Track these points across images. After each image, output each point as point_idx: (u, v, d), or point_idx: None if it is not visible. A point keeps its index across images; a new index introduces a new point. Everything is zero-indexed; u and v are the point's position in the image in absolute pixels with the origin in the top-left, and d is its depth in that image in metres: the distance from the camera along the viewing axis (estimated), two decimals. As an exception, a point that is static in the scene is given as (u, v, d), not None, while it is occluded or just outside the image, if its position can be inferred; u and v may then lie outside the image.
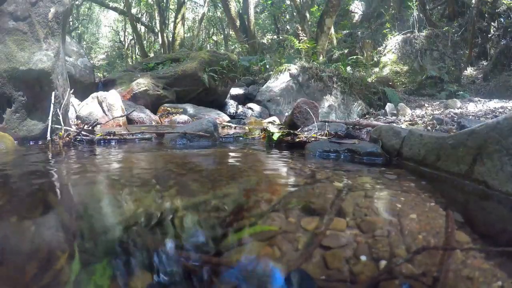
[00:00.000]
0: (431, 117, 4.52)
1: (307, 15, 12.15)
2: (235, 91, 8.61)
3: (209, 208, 1.09)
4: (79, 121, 4.44)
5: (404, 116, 5.45)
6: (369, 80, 8.61)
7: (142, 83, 6.45)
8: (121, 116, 4.58)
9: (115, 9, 16.84)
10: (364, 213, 1.00)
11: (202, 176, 1.59)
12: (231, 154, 2.31)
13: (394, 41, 11.47)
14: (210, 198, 1.19)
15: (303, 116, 3.69)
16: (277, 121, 5.58)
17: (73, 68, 5.91)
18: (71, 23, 18.19)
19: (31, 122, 2.77)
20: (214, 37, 21.87)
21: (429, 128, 3.55)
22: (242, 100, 8.47)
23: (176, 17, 15.28)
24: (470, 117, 4.47)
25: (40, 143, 2.73)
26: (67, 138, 2.67)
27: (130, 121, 5.12)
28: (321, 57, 9.63)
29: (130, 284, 0.66)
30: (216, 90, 7.38)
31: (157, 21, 17.00)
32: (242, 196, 1.26)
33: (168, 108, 6.10)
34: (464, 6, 11.63)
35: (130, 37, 21.19)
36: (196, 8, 22.07)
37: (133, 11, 17.76)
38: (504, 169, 1.14)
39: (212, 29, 21.82)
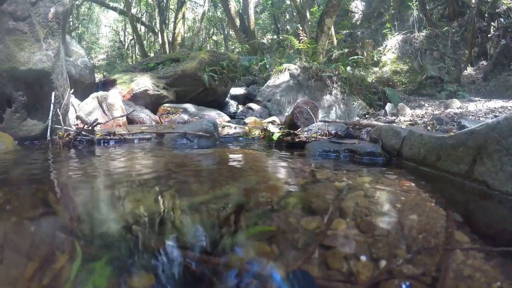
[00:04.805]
0: (431, 117, 4.52)
1: (307, 15, 12.15)
2: (235, 91, 8.61)
3: (209, 208, 1.09)
4: (79, 121, 4.44)
5: (404, 116, 5.45)
6: (369, 80, 8.61)
7: (142, 83, 6.45)
8: (121, 116, 4.57)
9: (115, 9, 16.82)
10: (364, 213, 1.00)
11: (202, 176, 1.59)
12: (231, 154, 2.31)
13: (394, 41, 11.47)
14: (210, 198, 1.19)
15: (303, 116, 3.69)
16: (277, 121, 5.58)
17: (73, 68, 5.90)
18: (71, 23, 18.18)
19: (31, 122, 2.77)
20: (214, 37, 21.87)
21: (429, 128, 3.54)
22: (242, 100, 8.47)
23: (176, 17, 15.28)
24: (470, 117, 4.47)
25: (40, 143, 2.73)
26: (67, 138, 2.66)
27: (130, 121, 5.12)
28: (321, 57, 9.63)
29: (130, 284, 0.66)
30: (216, 90, 7.38)
31: (157, 21, 17.00)
32: (242, 196, 1.26)
33: (168, 108, 6.09)
34: (464, 6, 11.63)
35: (130, 37, 21.19)
36: (196, 8, 22.08)
37: (133, 11, 17.75)
38: (504, 169, 1.14)
39: (212, 29, 21.82)
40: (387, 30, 12.07)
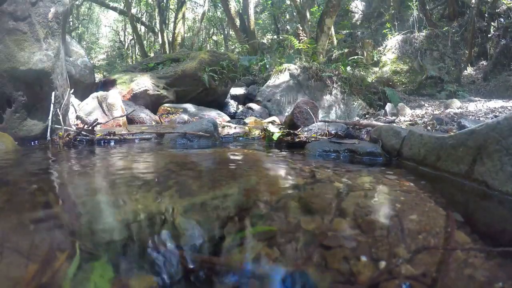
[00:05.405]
0: (431, 117, 4.52)
1: (307, 15, 12.14)
2: (235, 91, 8.61)
3: (209, 208, 1.09)
4: (79, 121, 4.44)
5: (404, 116, 5.45)
6: (369, 80, 8.61)
7: (142, 83, 6.45)
8: (121, 116, 4.57)
9: (115, 9, 16.83)
10: (364, 213, 1.00)
11: (202, 176, 1.59)
12: (231, 154, 2.31)
13: (394, 41, 11.47)
14: (210, 198, 1.19)
15: (303, 116, 3.69)
16: (277, 121, 5.58)
17: (73, 68, 5.90)
18: (71, 23, 18.19)
19: (31, 122, 2.77)
20: (214, 37, 21.87)
21: (429, 128, 3.54)
22: (242, 100, 8.47)
23: (176, 17, 15.28)
24: (470, 117, 4.47)
25: (40, 143, 2.73)
26: (67, 138, 2.66)
27: (130, 121, 5.12)
28: (321, 57, 9.62)
29: (129, 284, 0.66)
30: (216, 90, 7.38)
31: (157, 21, 17.00)
32: (242, 196, 1.26)
33: (168, 108, 6.09)
34: (464, 6, 11.62)
35: (130, 37, 21.19)
36: (196, 8, 22.08)
37: (133, 11, 17.75)
38: (504, 169, 1.14)
39: (212, 29, 21.82)
40: (387, 30, 12.07)
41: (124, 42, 22.09)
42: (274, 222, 0.95)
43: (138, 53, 19.74)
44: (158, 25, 16.88)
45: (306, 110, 3.67)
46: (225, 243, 0.84)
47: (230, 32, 18.86)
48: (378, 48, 11.83)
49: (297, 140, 2.52)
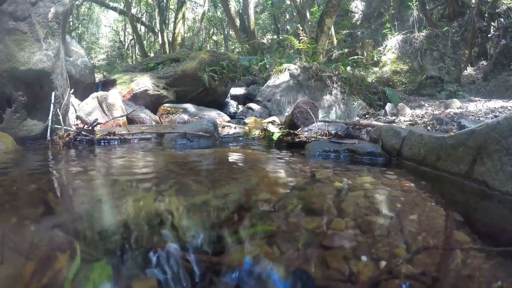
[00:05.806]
0: (431, 117, 4.52)
1: (307, 15, 12.14)
2: (235, 91, 8.61)
3: (209, 208, 1.09)
4: (79, 121, 4.44)
5: (404, 116, 5.45)
6: (369, 80, 8.61)
7: (142, 83, 6.45)
8: (121, 116, 4.57)
9: (115, 9, 16.82)
10: (364, 213, 1.00)
11: (202, 176, 1.59)
12: (231, 154, 2.31)
13: (394, 41, 11.47)
14: (210, 198, 1.19)
15: (303, 116, 3.69)
16: (277, 121, 5.58)
17: (73, 68, 5.90)
18: (71, 23, 18.19)
19: (31, 122, 2.77)
20: (214, 37, 21.87)
21: (429, 128, 3.55)
22: (242, 100, 8.47)
23: (176, 17, 15.28)
24: (470, 117, 4.47)
25: (40, 143, 2.73)
26: (67, 138, 2.66)
27: (130, 121, 5.12)
28: (321, 57, 9.62)
29: (129, 284, 0.66)
30: (216, 90, 7.38)
31: (157, 21, 17.00)
32: (242, 196, 1.26)
33: (168, 108, 6.09)
34: (464, 6, 11.62)
35: (130, 37, 21.20)
36: (196, 8, 22.08)
37: (133, 11, 17.75)
38: (504, 169, 1.14)
39: (212, 29, 21.82)
40: (387, 30, 12.07)
41: (124, 42, 22.09)
42: (274, 222, 0.95)
43: (138, 53, 19.74)
44: (158, 25, 16.88)
45: (306, 110, 3.68)
46: (225, 243, 0.84)
47: (230, 32, 18.85)
48: (378, 48, 11.83)
49: (297, 140, 2.52)
